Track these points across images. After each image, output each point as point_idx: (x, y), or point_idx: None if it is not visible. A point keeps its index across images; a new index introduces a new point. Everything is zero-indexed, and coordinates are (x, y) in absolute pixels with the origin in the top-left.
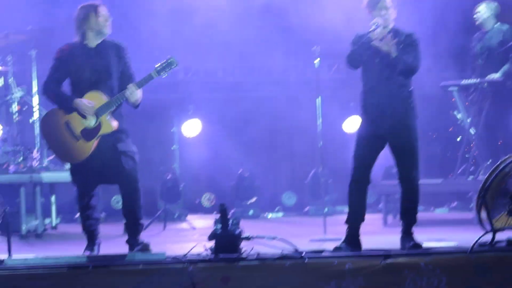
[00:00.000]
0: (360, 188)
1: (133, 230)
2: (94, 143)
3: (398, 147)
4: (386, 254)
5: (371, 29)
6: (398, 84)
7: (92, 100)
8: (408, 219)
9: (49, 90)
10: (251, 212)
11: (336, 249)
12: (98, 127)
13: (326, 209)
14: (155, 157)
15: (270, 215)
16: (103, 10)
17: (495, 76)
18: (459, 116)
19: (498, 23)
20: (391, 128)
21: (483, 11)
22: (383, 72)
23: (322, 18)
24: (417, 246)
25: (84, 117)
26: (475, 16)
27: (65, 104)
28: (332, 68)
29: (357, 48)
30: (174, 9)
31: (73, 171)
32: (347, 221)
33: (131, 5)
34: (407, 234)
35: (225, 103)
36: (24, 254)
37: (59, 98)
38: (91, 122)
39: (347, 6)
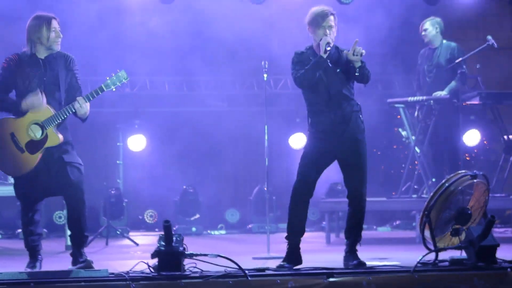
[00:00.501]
0: (301, 202)
1: (78, 242)
2: (38, 156)
3: (348, 163)
4: (329, 273)
5: (325, 49)
6: (348, 99)
7: (39, 112)
8: (353, 236)
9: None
10: (194, 229)
11: (279, 267)
12: (44, 140)
13: (268, 227)
14: (99, 171)
15: (213, 232)
16: (55, 25)
17: (442, 93)
18: (404, 133)
19: (445, 41)
20: (341, 143)
21: (430, 29)
22: (333, 88)
23: (265, 33)
24: (361, 264)
25: (38, 124)
26: (423, 33)
27: (15, 108)
28: (279, 83)
29: (310, 68)
30: (121, 21)
31: (17, 185)
32: (287, 237)
33: (79, 18)
34: (351, 252)
35: (171, 118)
36: None
37: (6, 103)
38: (37, 134)
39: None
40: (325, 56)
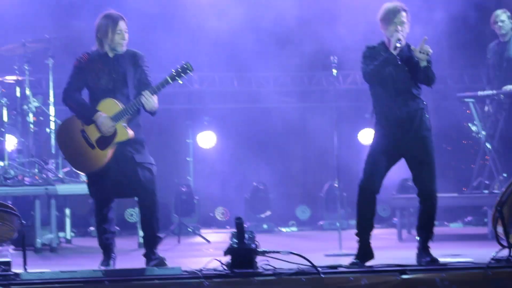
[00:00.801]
0: (368, 199)
1: (150, 243)
2: (109, 152)
3: (415, 161)
4: (401, 270)
5: (395, 46)
6: (414, 97)
7: (107, 107)
8: (426, 233)
9: (70, 98)
10: (265, 226)
11: (352, 264)
12: (113, 135)
13: (339, 224)
14: (170, 168)
15: (284, 229)
16: (122, 26)
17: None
18: (474, 128)
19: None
20: (406, 141)
21: (507, 21)
22: (400, 86)
23: (334, 29)
24: (434, 261)
25: None
26: (499, 24)
27: (86, 115)
28: (347, 79)
29: (379, 64)
30: (188, 22)
31: (90, 182)
32: (357, 234)
33: (146, 17)
34: (424, 249)
35: (240, 114)
36: (39, 268)
37: (80, 107)
38: (109, 128)
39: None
40: (395, 52)
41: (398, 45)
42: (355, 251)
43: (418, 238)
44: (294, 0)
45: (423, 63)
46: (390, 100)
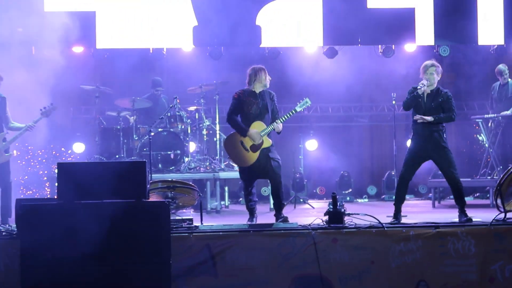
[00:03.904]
0: (404, 182)
1: (278, 207)
2: (257, 154)
3: (438, 161)
4: (436, 225)
5: (419, 87)
6: (435, 122)
7: (257, 126)
8: (461, 203)
9: (232, 120)
10: (348, 198)
11: (392, 222)
12: (261, 143)
13: (394, 197)
14: (289, 162)
15: (360, 200)
16: (265, 73)
17: (507, 112)
18: (481, 138)
19: (510, 80)
20: (430, 148)
21: (507, 73)
22: (426, 114)
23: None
24: (469, 220)
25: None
26: (504, 76)
27: (242, 132)
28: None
29: (410, 98)
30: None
31: (242, 172)
32: (394, 203)
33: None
34: (461, 212)
35: (332, 129)
36: (210, 223)
37: (239, 126)
38: (259, 139)
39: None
40: (420, 92)
41: (419, 88)
42: (404, 214)
43: (457, 205)
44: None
45: (431, 120)
46: (420, 122)
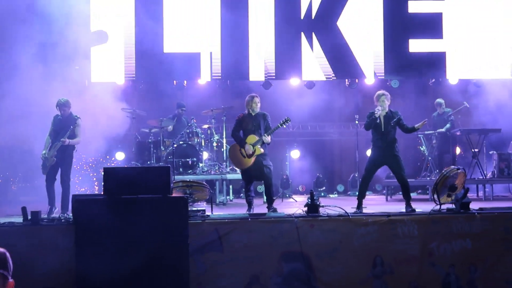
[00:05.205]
0: (365, 182)
1: (269, 201)
2: (252, 159)
3: (392, 166)
4: (388, 214)
5: (376, 111)
6: (390, 137)
7: (251, 139)
8: (407, 197)
9: (234, 135)
10: (322, 194)
11: (355, 212)
12: (254, 151)
13: (357, 193)
14: (279, 167)
15: (331, 196)
16: (256, 100)
17: (442, 130)
18: (422, 149)
19: (445, 108)
20: (386, 156)
21: (443, 105)
22: (383, 131)
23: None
24: (413, 210)
25: (251, 145)
26: (441, 108)
27: (241, 144)
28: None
29: (370, 121)
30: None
31: (242, 173)
32: (358, 197)
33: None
34: (408, 204)
35: (310, 142)
36: (218, 212)
37: (239, 139)
38: (251, 149)
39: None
40: (377, 115)
41: (376, 112)
42: (364, 206)
43: (404, 199)
44: None
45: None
46: (378, 137)
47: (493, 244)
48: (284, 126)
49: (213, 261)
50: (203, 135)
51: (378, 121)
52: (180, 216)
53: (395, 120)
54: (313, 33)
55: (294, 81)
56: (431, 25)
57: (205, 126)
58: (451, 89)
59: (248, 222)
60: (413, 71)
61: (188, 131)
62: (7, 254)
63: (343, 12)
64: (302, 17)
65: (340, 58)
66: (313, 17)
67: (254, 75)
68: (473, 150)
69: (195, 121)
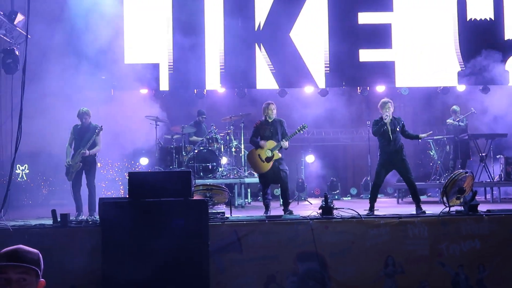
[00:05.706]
0: (377, 186)
1: (285, 204)
2: (270, 164)
3: (401, 170)
4: (399, 216)
5: (384, 118)
6: (397, 142)
7: (270, 143)
8: (417, 200)
9: (252, 141)
10: (336, 197)
11: (368, 214)
12: (272, 156)
13: (369, 196)
14: (294, 171)
15: (345, 198)
16: (272, 107)
17: (451, 135)
18: (432, 153)
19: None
20: (395, 161)
21: (459, 112)
22: (391, 137)
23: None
24: (423, 212)
25: (269, 150)
26: (457, 114)
27: (258, 145)
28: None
29: (378, 127)
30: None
31: (260, 177)
32: (369, 201)
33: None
34: (418, 207)
35: (326, 148)
36: (237, 215)
37: (257, 144)
38: (269, 154)
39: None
40: (386, 121)
41: (385, 119)
42: (376, 208)
43: (414, 202)
44: None
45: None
46: (386, 143)
47: (501, 245)
48: (302, 132)
49: (232, 261)
50: (222, 141)
51: (385, 127)
52: (201, 218)
53: (399, 126)
54: (261, 44)
55: (308, 89)
56: (380, 36)
57: (224, 132)
58: (459, 96)
59: (266, 224)
60: (363, 79)
61: (208, 137)
62: (40, 255)
63: (295, 24)
64: (255, 29)
65: (292, 67)
66: (261, 28)
67: (276, 83)
68: (480, 154)
69: (215, 127)
